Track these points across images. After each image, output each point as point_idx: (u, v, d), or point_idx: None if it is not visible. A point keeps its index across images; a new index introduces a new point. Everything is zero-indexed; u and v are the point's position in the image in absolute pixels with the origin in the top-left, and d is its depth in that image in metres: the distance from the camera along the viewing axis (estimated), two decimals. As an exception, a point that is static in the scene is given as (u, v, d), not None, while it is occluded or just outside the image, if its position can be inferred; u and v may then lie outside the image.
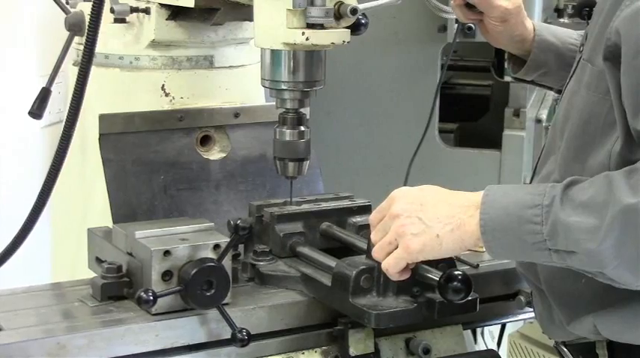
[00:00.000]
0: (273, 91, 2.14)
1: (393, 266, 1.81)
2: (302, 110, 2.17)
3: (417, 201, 1.80)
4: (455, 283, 1.80)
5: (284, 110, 2.17)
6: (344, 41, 2.04)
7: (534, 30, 2.27)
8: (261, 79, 2.15)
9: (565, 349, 1.99)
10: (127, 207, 2.29)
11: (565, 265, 1.71)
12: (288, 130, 2.17)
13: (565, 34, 2.33)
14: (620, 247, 1.62)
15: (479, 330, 2.59)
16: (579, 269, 1.72)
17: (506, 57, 2.38)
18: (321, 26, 2.01)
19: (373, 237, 1.85)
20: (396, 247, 1.80)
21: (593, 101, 1.81)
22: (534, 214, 1.68)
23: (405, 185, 1.97)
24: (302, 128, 2.18)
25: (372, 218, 1.88)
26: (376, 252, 1.84)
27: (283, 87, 2.12)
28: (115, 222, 2.20)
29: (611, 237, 1.62)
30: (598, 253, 1.63)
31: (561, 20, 4.58)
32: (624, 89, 1.70)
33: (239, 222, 1.95)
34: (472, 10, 2.25)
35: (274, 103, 2.19)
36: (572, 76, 1.96)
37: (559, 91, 2.19)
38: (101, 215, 2.30)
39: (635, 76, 1.68)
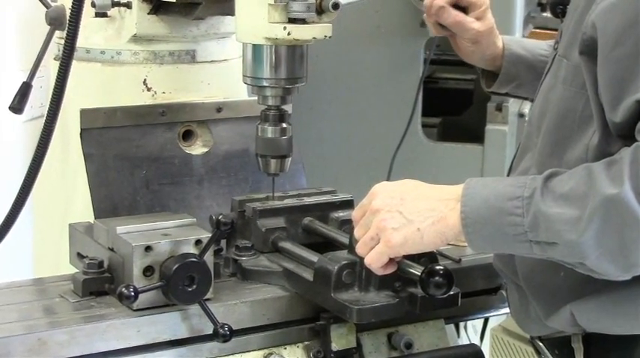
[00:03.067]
0: (255, 88, 2.14)
1: (375, 260, 1.81)
2: (284, 107, 2.17)
3: (397, 196, 1.80)
4: (437, 278, 1.80)
5: (266, 107, 2.16)
6: (326, 36, 2.04)
7: (504, 45, 2.31)
8: (243, 75, 2.14)
9: (541, 343, 2.00)
10: (108, 202, 2.28)
11: (545, 256, 1.72)
12: (270, 127, 2.17)
13: (535, 45, 2.36)
14: (601, 238, 1.63)
15: (462, 324, 2.60)
16: (560, 261, 1.72)
17: (479, 72, 2.41)
18: (303, 21, 2.01)
19: (356, 232, 1.86)
20: (379, 242, 1.80)
21: (569, 96, 1.82)
22: (515, 206, 1.69)
23: (388, 179, 1.98)
24: (284, 125, 2.17)
25: (355, 214, 1.88)
26: (359, 248, 1.84)
27: (265, 84, 2.12)
28: (96, 217, 2.20)
29: (592, 227, 1.62)
30: (579, 244, 1.64)
31: (544, 14, 4.58)
32: (601, 82, 1.71)
33: (221, 217, 1.94)
34: (445, 28, 2.28)
35: (257, 98, 2.19)
36: (547, 73, 1.97)
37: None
38: (83, 210, 2.29)
39: (612, 69, 1.69)
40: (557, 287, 1.85)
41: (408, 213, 1.77)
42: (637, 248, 1.62)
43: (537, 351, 2.02)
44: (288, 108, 2.18)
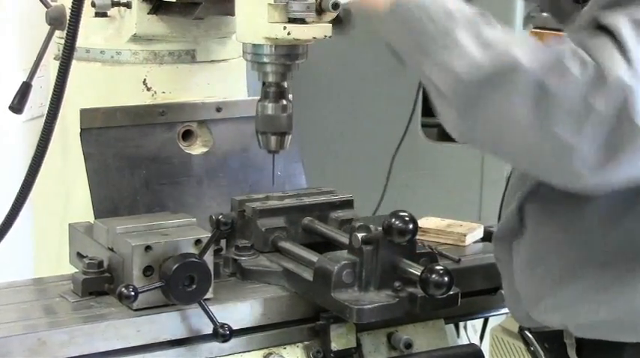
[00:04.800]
0: (255, 64, 2.14)
1: None
2: (284, 84, 2.16)
3: None
4: (436, 278, 1.80)
5: (266, 84, 2.16)
6: (325, 35, 2.04)
7: None
8: (243, 52, 2.13)
9: (530, 335, 1.99)
10: (108, 202, 2.28)
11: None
12: (271, 104, 2.16)
13: None
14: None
15: (461, 324, 2.60)
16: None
17: None
18: (303, 20, 2.01)
19: None
20: None
21: None
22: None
23: (388, 180, 1.96)
24: (284, 102, 2.17)
25: None
26: None
27: (265, 60, 2.11)
28: (96, 217, 2.20)
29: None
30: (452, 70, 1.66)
31: (545, 15, 4.57)
32: None
33: (221, 217, 1.95)
34: None
35: (256, 98, 2.19)
36: None
37: None
38: (83, 210, 2.29)
39: None
40: (541, 280, 1.83)
41: None
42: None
43: (526, 343, 2.00)
44: (287, 86, 2.17)
